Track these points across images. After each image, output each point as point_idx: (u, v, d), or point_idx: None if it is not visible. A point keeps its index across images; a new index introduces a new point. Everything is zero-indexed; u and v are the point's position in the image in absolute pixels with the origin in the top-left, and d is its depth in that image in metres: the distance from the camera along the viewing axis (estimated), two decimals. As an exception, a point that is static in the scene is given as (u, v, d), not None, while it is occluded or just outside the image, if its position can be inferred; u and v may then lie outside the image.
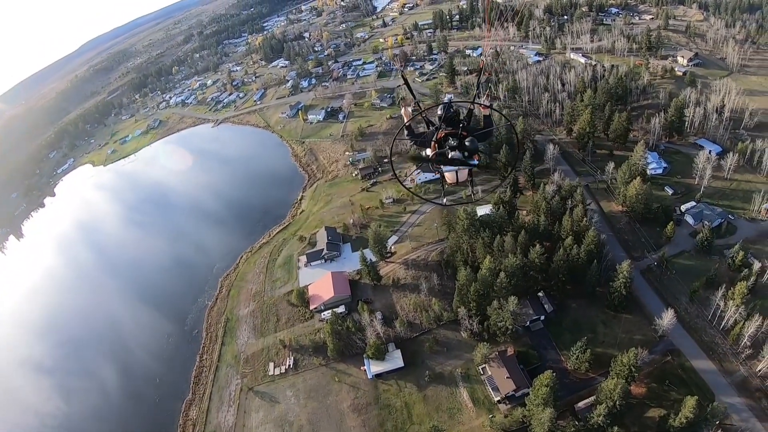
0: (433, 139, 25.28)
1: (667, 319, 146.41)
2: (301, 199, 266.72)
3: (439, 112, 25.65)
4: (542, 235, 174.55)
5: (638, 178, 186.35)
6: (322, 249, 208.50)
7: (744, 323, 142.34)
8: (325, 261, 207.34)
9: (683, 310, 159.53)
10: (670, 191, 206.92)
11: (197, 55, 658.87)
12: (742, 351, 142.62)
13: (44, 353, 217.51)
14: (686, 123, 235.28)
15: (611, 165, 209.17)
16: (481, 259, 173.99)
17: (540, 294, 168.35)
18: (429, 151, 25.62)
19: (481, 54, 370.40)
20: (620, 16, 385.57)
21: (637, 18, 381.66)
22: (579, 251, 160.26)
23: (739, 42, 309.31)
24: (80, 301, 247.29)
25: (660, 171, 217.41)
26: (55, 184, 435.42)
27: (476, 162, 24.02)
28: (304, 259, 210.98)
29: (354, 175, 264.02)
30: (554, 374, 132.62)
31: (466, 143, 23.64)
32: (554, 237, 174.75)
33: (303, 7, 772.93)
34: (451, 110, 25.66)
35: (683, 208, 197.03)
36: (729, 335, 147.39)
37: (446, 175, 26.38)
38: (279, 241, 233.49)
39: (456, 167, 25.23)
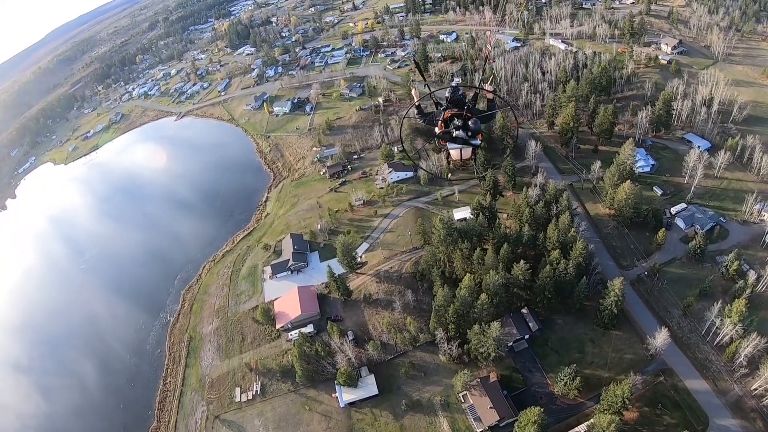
0: (440, 118, 26.42)
1: (660, 339, 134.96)
2: (266, 201, 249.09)
3: (447, 94, 26.37)
4: (526, 246, 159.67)
5: (628, 181, 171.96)
6: (288, 260, 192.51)
7: (740, 342, 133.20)
8: (292, 272, 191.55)
9: (676, 325, 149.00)
10: (659, 192, 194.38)
11: (162, 43, 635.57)
12: (737, 369, 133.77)
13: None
14: (674, 117, 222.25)
15: (597, 164, 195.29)
16: (459, 271, 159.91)
17: (524, 311, 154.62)
18: (436, 130, 26.71)
19: (458, 38, 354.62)
20: (600, 0, 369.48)
21: (617, 2, 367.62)
22: (567, 266, 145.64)
23: (723, 30, 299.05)
24: (33, 318, 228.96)
25: (648, 169, 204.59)
26: (16, 185, 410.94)
27: (479, 142, 25.87)
28: (269, 270, 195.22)
29: (321, 173, 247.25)
30: (542, 410, 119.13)
31: (470, 124, 25.14)
32: (539, 248, 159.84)
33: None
34: (459, 93, 26.27)
35: (673, 210, 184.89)
36: (724, 352, 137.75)
37: (451, 152, 27.22)
38: (243, 249, 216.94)
39: (460, 146, 26.10)
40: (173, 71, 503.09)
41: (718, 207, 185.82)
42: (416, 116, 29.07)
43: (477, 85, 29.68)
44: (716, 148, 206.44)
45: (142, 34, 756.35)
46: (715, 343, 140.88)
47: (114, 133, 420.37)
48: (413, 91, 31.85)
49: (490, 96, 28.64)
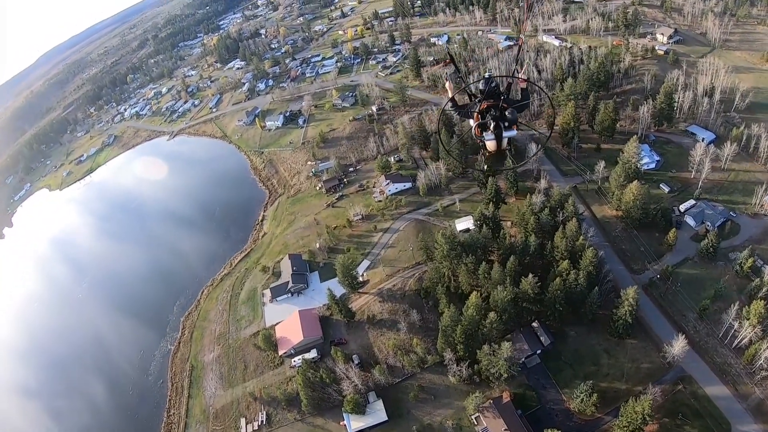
0: (476, 110, 26.26)
1: (678, 346, 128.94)
2: (262, 220, 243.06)
3: (481, 86, 26.05)
4: (533, 256, 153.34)
5: (635, 182, 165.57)
6: (288, 282, 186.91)
7: (760, 343, 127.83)
8: (292, 295, 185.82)
9: (692, 329, 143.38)
10: (666, 189, 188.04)
11: (152, 61, 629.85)
12: (758, 372, 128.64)
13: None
14: (675, 109, 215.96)
15: (601, 164, 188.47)
16: (464, 286, 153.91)
17: (534, 324, 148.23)
18: (472, 122, 26.82)
19: (449, 40, 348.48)
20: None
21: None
22: (577, 276, 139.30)
23: (718, 15, 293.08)
24: (31, 350, 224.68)
25: (653, 165, 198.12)
26: (13, 213, 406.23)
27: (515, 132, 25.48)
28: (268, 293, 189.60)
29: (318, 188, 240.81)
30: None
31: (507, 114, 24.76)
32: (546, 258, 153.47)
33: (259, 2, 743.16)
34: (493, 84, 25.90)
35: (682, 207, 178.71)
36: (743, 355, 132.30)
37: (487, 144, 26.42)
38: (241, 272, 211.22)
39: (495, 137, 25.52)
40: (164, 89, 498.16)
41: (728, 201, 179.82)
42: (451, 109, 28.43)
43: (510, 74, 29.58)
44: (721, 139, 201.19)
45: (132, 53, 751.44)
46: (734, 345, 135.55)
47: (107, 156, 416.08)
48: (447, 84, 32.36)
49: (523, 85, 28.22)
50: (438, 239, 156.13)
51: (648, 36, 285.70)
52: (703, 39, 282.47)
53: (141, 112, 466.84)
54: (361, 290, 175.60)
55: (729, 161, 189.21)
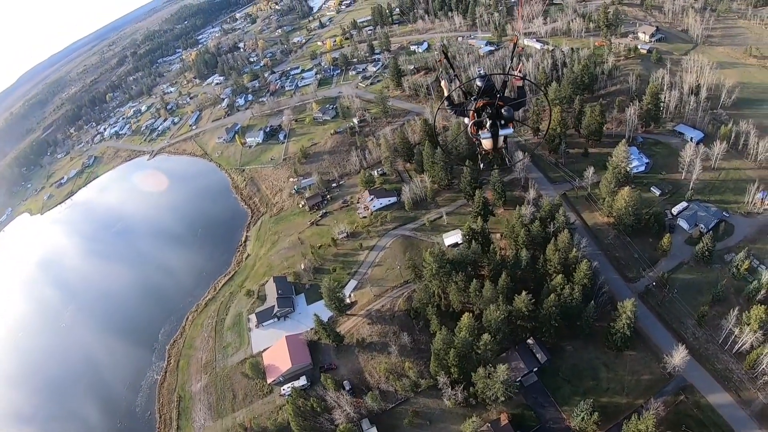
0: (472, 108, 26.38)
1: (678, 356, 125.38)
2: (245, 241, 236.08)
3: (478, 83, 25.82)
4: (525, 271, 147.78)
5: (627, 188, 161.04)
6: (273, 306, 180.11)
7: (762, 348, 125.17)
8: (279, 319, 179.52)
9: (691, 336, 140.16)
10: (657, 192, 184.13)
11: (131, 78, 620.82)
12: (760, 376, 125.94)
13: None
14: (662, 109, 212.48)
15: (590, 169, 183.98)
16: (455, 304, 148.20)
17: (530, 341, 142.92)
18: (467, 120, 26.82)
19: (429, 48, 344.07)
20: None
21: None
22: (572, 291, 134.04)
23: (699, 11, 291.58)
24: (15, 384, 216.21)
25: (643, 168, 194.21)
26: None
27: (511, 130, 25.50)
28: (254, 318, 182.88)
29: (301, 206, 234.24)
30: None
31: (503, 112, 24.91)
32: (539, 272, 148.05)
33: (237, 15, 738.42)
34: (489, 82, 25.81)
35: (674, 210, 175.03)
36: (744, 360, 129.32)
37: (483, 142, 26.40)
38: (226, 296, 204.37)
39: (492, 135, 25.52)
40: (143, 107, 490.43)
41: (720, 201, 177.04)
42: (447, 108, 28.19)
43: (506, 72, 29.03)
44: (709, 138, 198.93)
45: (112, 71, 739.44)
46: (734, 351, 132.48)
47: (87, 178, 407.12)
48: (443, 83, 31.69)
49: (519, 83, 27.99)
50: (426, 258, 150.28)
51: (630, 35, 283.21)
52: (685, 36, 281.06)
53: (121, 132, 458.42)
54: (348, 312, 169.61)
55: (719, 160, 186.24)
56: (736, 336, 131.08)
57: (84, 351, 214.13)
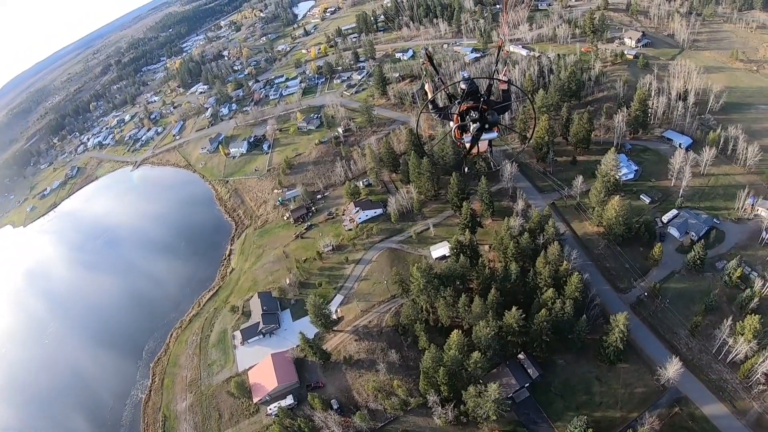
0: (456, 112, 26.15)
1: (672, 369, 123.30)
2: (229, 255, 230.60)
3: (462, 86, 25.51)
4: (515, 284, 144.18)
5: (617, 197, 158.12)
6: (258, 322, 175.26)
7: (756, 357, 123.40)
8: (264, 336, 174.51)
9: (684, 347, 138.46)
10: (647, 200, 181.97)
11: (115, 87, 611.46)
12: (755, 386, 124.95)
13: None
14: (650, 115, 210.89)
15: (579, 178, 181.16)
16: (444, 319, 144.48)
17: (521, 356, 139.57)
18: (452, 124, 26.71)
19: (414, 56, 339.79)
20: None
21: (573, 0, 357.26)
22: (563, 306, 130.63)
23: (684, 16, 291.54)
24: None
25: (632, 176, 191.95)
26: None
27: (496, 134, 25.39)
28: (239, 335, 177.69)
29: (285, 218, 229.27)
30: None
31: (487, 116, 24.73)
32: (529, 285, 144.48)
33: (222, 23, 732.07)
34: (474, 85, 25.54)
35: (665, 218, 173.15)
36: (738, 370, 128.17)
37: (467, 146, 26.51)
38: (210, 312, 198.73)
39: (477, 138, 25.63)
40: (127, 117, 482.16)
41: (710, 207, 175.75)
42: (431, 111, 28.37)
43: (490, 74, 29.05)
44: (698, 143, 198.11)
45: (96, 80, 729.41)
46: (728, 360, 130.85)
47: (71, 189, 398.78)
48: (426, 86, 32.31)
49: (504, 86, 28.00)
50: (413, 273, 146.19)
51: (616, 40, 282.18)
52: (672, 41, 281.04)
53: (104, 142, 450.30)
54: (335, 328, 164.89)
55: (708, 166, 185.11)
56: (730, 346, 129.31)
57: (67, 369, 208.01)
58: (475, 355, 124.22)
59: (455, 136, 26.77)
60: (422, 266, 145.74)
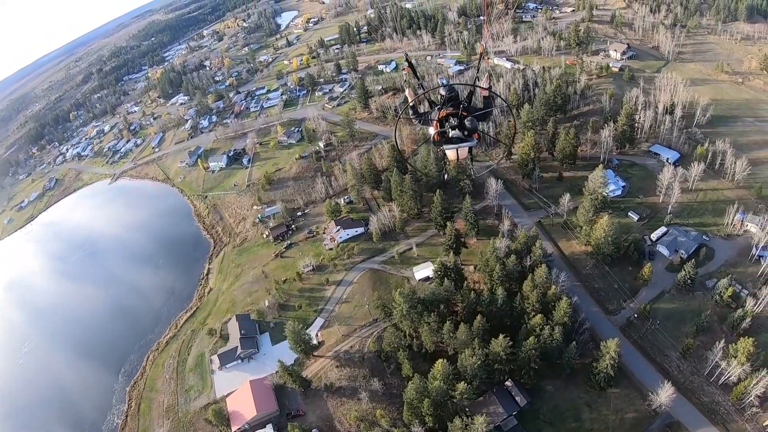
0: (435, 118, 25.23)
1: (664, 394, 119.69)
2: (207, 274, 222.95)
3: (442, 92, 24.98)
4: (501, 309, 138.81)
5: (605, 216, 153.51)
6: (236, 347, 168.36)
7: (749, 379, 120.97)
8: (242, 360, 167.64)
9: (675, 369, 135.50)
10: (635, 217, 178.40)
11: (96, 96, 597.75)
12: (748, 408, 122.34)
13: None
14: (637, 129, 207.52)
15: (566, 196, 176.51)
16: (428, 345, 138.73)
17: (508, 383, 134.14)
18: (432, 130, 25.40)
19: (397, 68, 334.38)
20: (540, 11, 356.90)
21: (557, 11, 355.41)
22: (552, 332, 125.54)
23: (669, 28, 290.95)
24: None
25: (619, 192, 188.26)
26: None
27: (475, 141, 24.71)
28: (216, 360, 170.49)
29: (265, 236, 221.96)
30: None
31: (467, 123, 24.01)
32: (516, 310, 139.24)
33: (205, 32, 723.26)
34: (454, 91, 25.13)
35: (654, 236, 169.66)
36: (731, 392, 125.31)
37: (447, 153, 26.03)
38: (187, 334, 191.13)
39: (456, 146, 24.92)
40: (107, 127, 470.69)
41: (699, 224, 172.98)
42: (411, 117, 27.15)
43: (472, 83, 27.65)
44: (685, 157, 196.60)
45: (76, 88, 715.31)
46: (720, 382, 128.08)
47: (48, 201, 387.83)
48: (407, 91, 30.76)
49: (485, 93, 26.66)
50: (396, 298, 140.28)
51: (601, 53, 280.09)
52: (657, 53, 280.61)
53: (83, 153, 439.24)
54: (316, 353, 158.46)
55: (696, 181, 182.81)
56: (722, 369, 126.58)
57: (41, 392, 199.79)
58: (461, 386, 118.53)
59: (434, 141, 25.67)
60: (405, 291, 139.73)
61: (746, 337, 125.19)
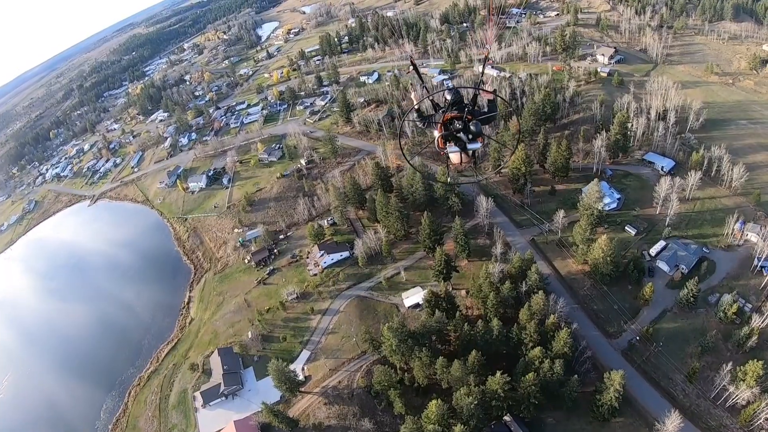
0: (440, 121, 25.58)
1: (671, 424, 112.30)
2: (188, 302, 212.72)
3: (447, 96, 25.12)
4: (497, 339, 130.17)
5: (604, 236, 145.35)
6: (219, 383, 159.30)
7: (758, 402, 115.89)
8: (226, 397, 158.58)
9: (681, 393, 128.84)
10: (632, 231, 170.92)
11: (76, 113, 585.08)
12: (757, 431, 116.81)
13: None
14: (630, 138, 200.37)
15: (561, 213, 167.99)
16: (420, 379, 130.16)
17: (507, 418, 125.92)
18: (436, 133, 25.76)
19: (380, 78, 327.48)
20: (524, 16, 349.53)
21: (542, 16, 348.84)
22: (552, 365, 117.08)
23: (655, 29, 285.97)
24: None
25: (615, 205, 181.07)
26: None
27: (479, 144, 24.97)
28: (200, 398, 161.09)
29: (246, 261, 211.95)
30: None
31: (471, 126, 24.44)
32: (513, 341, 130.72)
33: (185, 45, 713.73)
34: (458, 95, 25.22)
35: (653, 251, 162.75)
36: (739, 415, 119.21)
37: (451, 156, 25.63)
38: (169, 368, 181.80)
39: (459, 149, 24.88)
40: (86, 146, 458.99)
41: (698, 235, 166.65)
42: (416, 120, 27.83)
43: (476, 86, 26.67)
44: (680, 165, 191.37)
45: (57, 105, 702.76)
46: (728, 405, 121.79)
47: (28, 225, 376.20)
48: (412, 94, 35.57)
49: (489, 96, 26.77)
50: (384, 333, 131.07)
51: (588, 57, 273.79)
52: (645, 56, 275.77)
53: (62, 174, 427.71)
54: (303, 389, 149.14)
55: (693, 189, 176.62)
56: (730, 392, 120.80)
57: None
58: (458, 429, 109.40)
59: (438, 145, 25.74)
60: (393, 325, 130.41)
61: (755, 360, 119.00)
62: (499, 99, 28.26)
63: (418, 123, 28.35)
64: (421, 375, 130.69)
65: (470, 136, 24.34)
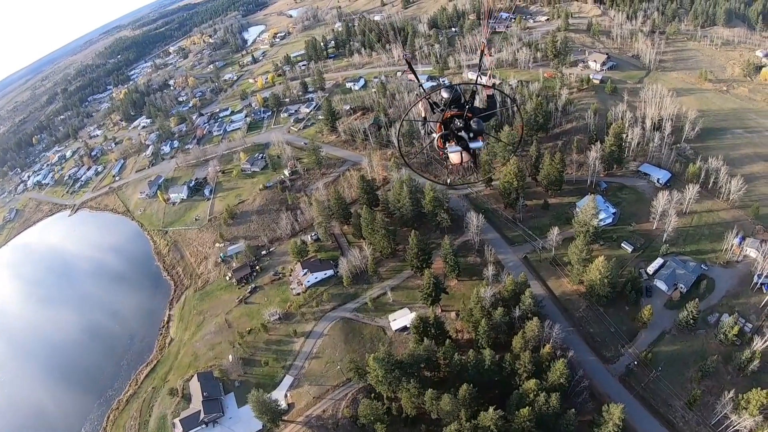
0: (439, 120, 24.81)
1: None
2: (168, 321, 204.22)
3: (444, 95, 24.44)
4: (489, 370, 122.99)
5: (601, 257, 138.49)
6: (199, 411, 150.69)
7: (760, 430, 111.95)
8: (207, 425, 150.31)
9: (681, 420, 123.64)
10: (629, 248, 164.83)
11: (59, 118, 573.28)
12: None
13: None
14: (625, 149, 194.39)
15: (555, 230, 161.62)
16: (408, 409, 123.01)
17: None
18: (435, 134, 24.85)
19: (366, 85, 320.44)
20: (513, 21, 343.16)
21: (531, 21, 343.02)
22: (548, 399, 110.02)
23: (648, 35, 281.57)
24: None
25: (610, 220, 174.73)
26: None
27: (481, 143, 24.02)
28: (179, 425, 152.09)
29: (227, 278, 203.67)
30: None
31: (472, 124, 23.76)
32: (506, 370, 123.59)
33: (171, 49, 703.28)
34: (456, 92, 24.56)
35: (650, 269, 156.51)
36: None
37: (451, 156, 24.38)
38: (148, 392, 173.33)
39: (460, 149, 23.73)
40: (69, 153, 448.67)
41: (696, 251, 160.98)
42: (418, 120, 26.51)
43: (474, 81, 26.65)
44: (676, 176, 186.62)
45: (41, 110, 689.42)
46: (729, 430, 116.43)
47: (8, 234, 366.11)
48: (420, 104, 29.14)
49: (489, 92, 25.98)
50: (370, 363, 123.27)
51: (580, 64, 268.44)
52: (637, 62, 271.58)
53: (43, 181, 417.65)
54: (285, 418, 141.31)
55: (691, 203, 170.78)
56: (732, 420, 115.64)
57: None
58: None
59: (438, 145, 24.49)
60: (380, 355, 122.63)
61: (758, 388, 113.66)
62: (498, 93, 26.91)
63: (420, 124, 26.83)
64: (410, 405, 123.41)
65: (471, 135, 23.53)
